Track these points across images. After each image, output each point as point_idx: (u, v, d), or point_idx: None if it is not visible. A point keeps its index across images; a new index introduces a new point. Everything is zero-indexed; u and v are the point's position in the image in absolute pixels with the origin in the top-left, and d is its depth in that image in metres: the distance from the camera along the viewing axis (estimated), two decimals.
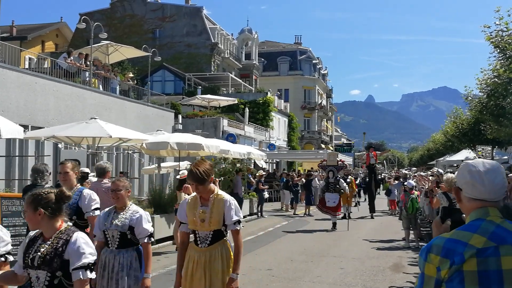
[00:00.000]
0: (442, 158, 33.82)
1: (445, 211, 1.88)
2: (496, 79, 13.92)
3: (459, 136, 27.63)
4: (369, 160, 20.22)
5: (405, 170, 47.82)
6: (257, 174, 20.70)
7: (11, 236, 7.44)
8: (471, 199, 2.02)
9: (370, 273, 8.81)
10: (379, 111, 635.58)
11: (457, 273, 1.85)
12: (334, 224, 15.13)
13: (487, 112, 17.22)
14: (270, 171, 29.94)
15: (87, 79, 18.24)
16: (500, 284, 1.86)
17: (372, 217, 18.71)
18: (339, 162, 16.43)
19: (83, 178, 6.97)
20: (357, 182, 23.74)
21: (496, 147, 24.37)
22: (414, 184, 12.49)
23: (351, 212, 18.70)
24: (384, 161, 73.13)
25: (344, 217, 17.65)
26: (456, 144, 30.21)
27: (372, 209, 19.39)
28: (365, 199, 28.08)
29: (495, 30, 13.16)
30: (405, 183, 12.56)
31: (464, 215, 2.14)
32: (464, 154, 26.04)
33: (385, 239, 13.06)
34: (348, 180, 19.03)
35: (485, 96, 16.87)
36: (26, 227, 6.63)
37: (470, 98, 19.88)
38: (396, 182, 21.41)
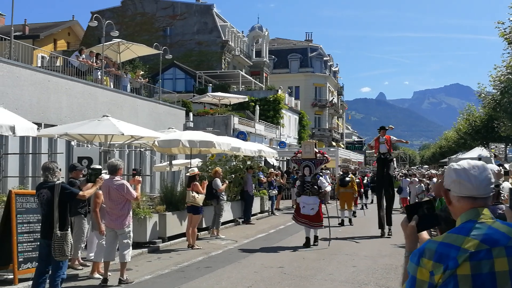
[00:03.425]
0: (454, 156, 33.55)
1: (408, 209, 1.86)
2: (510, 76, 13.79)
3: (471, 134, 27.45)
4: (378, 146, 13.05)
5: (420, 167, 47.31)
6: (270, 173, 20.57)
7: (25, 233, 7.56)
8: (460, 198, 2.03)
9: (382, 271, 8.76)
10: (390, 109, 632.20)
11: (451, 277, 1.85)
12: (308, 239, 11.32)
13: (501, 109, 17.10)
14: (280, 168, 29.87)
15: (99, 77, 18.35)
16: (494, 287, 1.86)
17: (382, 234, 13.02)
18: (318, 154, 12.00)
19: (95, 174, 6.99)
20: (364, 181, 21.29)
21: (510, 144, 24.13)
22: None
23: (354, 217, 16.83)
24: (395, 159, 72.67)
25: (342, 224, 15.49)
26: (468, 142, 30.02)
27: (387, 220, 13.19)
28: (373, 200, 27.11)
29: (509, 27, 13.04)
30: (435, 181, 12.33)
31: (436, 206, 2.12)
32: (477, 151, 25.78)
33: (397, 237, 12.97)
34: (347, 178, 16.26)
35: (498, 93, 16.73)
36: (40, 224, 6.69)
37: (483, 95, 19.73)
38: (411, 179, 21.23)
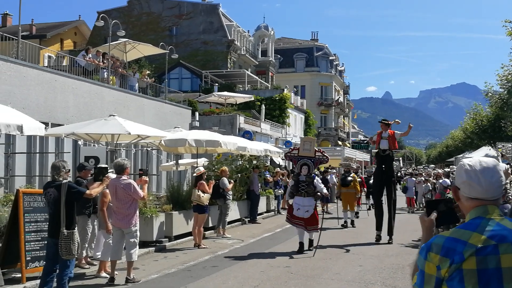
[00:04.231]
0: (461, 155, 33.40)
1: (428, 204, 1.90)
2: None
3: (478, 133, 27.34)
4: (379, 141, 11.85)
5: (426, 167, 47.13)
6: (276, 172, 20.51)
7: (33, 232, 7.60)
8: (469, 199, 2.03)
9: (389, 270, 8.74)
10: (396, 108, 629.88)
11: (457, 272, 1.87)
12: (301, 245, 10.37)
13: (508, 108, 17.01)
14: (286, 168, 29.83)
15: (105, 76, 18.41)
16: (500, 282, 1.87)
17: (389, 242, 11.73)
18: (317, 153, 10.98)
19: (102, 173, 7.01)
20: (371, 181, 21.40)
21: None
22: (450, 182, 12.09)
23: (356, 218, 16.18)
24: (401, 158, 72.46)
25: (345, 226, 14.93)
26: (475, 141, 29.92)
27: (389, 229, 11.93)
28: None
29: None
30: (440, 182, 12.24)
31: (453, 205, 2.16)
32: (484, 151, 25.67)
33: (403, 237, 12.93)
34: (349, 178, 15.52)
35: (505, 92, 16.65)
36: (47, 223, 6.72)
37: (490, 94, 19.65)
38: (414, 179, 21.11)
